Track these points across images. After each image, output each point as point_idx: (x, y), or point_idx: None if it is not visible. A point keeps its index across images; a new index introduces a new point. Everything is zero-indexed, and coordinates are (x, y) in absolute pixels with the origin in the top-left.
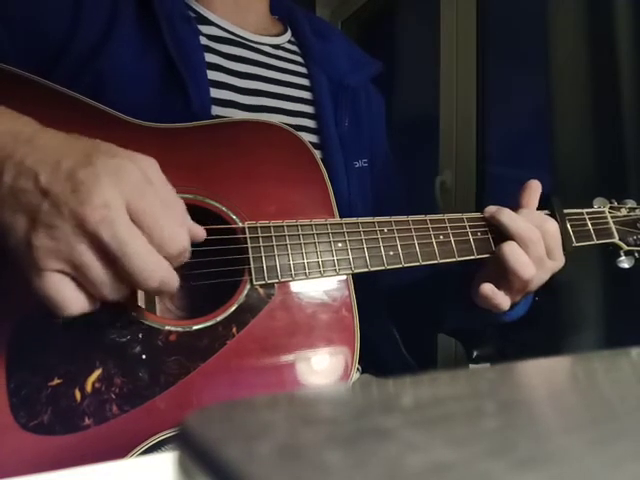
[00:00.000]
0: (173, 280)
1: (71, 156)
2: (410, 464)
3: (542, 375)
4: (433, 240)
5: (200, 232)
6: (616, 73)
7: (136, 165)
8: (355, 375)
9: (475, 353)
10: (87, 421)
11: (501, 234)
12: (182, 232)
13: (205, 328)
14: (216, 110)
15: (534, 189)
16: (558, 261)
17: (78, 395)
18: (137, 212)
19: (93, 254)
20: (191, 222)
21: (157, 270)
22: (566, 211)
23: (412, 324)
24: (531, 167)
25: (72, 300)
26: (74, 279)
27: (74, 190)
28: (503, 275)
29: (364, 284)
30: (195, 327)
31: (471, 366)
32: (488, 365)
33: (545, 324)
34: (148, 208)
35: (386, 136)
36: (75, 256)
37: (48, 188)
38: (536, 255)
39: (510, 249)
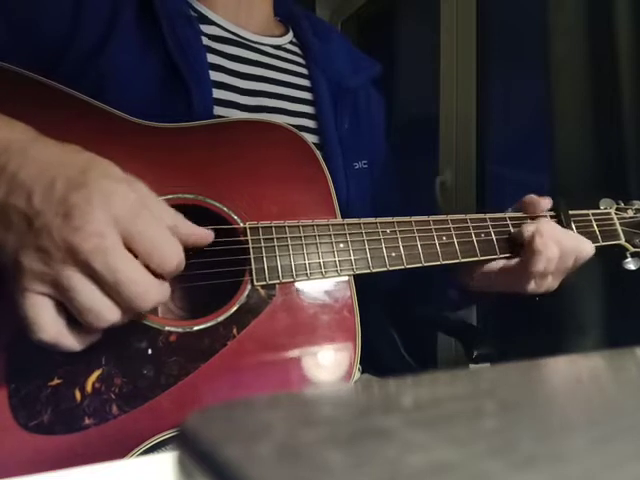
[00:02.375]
0: (167, 295)
1: (65, 174)
2: (410, 464)
3: (542, 375)
4: (436, 241)
5: (208, 236)
6: (616, 73)
7: (129, 186)
8: (355, 375)
9: (475, 353)
10: (87, 421)
11: (508, 238)
12: (177, 248)
13: (206, 329)
14: (217, 110)
15: (543, 206)
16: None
17: (78, 395)
18: (132, 236)
19: (82, 279)
20: (196, 227)
21: (152, 292)
22: (572, 212)
23: (407, 317)
24: (531, 167)
25: (47, 325)
26: (59, 305)
27: (66, 214)
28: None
29: (363, 285)
30: (196, 327)
31: (471, 366)
32: (488, 365)
33: (545, 324)
34: (144, 231)
35: (385, 138)
36: (62, 281)
37: (40, 210)
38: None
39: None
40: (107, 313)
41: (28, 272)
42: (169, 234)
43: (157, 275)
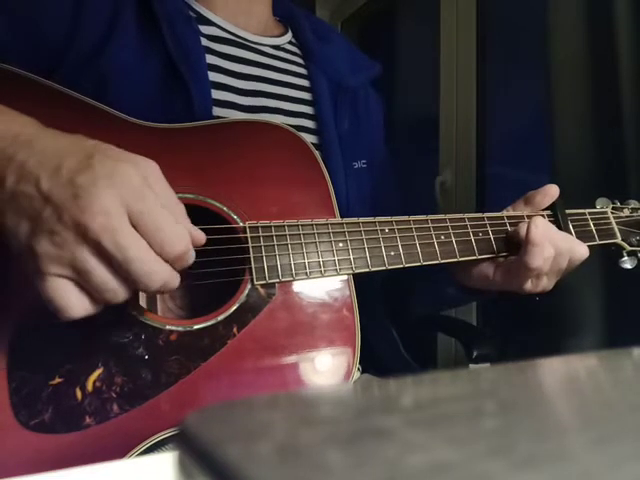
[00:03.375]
0: (174, 281)
1: (71, 159)
2: (410, 464)
3: (542, 375)
4: (434, 240)
5: (200, 236)
6: (616, 73)
7: (136, 168)
8: (355, 375)
9: (475, 353)
10: (88, 420)
11: (506, 237)
12: (182, 234)
13: (206, 328)
14: (216, 111)
15: (551, 194)
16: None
17: (79, 394)
18: (137, 216)
19: (95, 260)
20: (191, 225)
21: (158, 273)
22: (568, 212)
23: (407, 317)
24: (531, 167)
25: (76, 304)
26: (77, 283)
27: (74, 195)
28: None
29: (363, 284)
30: (196, 327)
31: (471, 366)
32: (488, 365)
33: (545, 324)
34: (147, 212)
35: (384, 138)
36: (77, 262)
37: (49, 193)
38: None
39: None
40: (119, 291)
41: (45, 257)
42: (172, 218)
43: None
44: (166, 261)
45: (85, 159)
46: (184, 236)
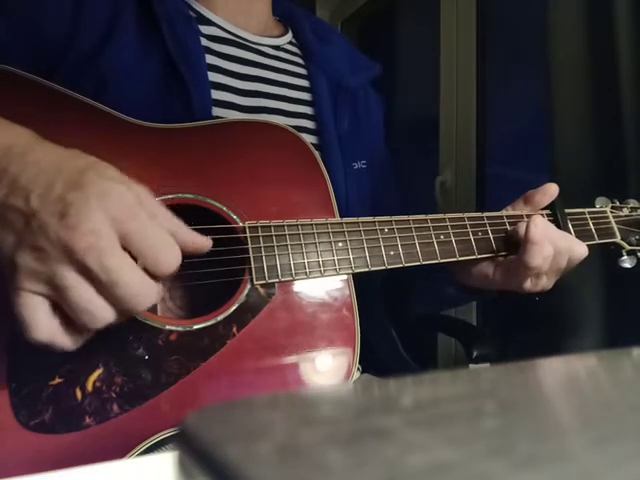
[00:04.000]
0: (159, 298)
1: (64, 177)
2: (410, 464)
3: (542, 375)
4: (434, 240)
5: (206, 243)
6: (616, 73)
7: (128, 188)
8: (355, 375)
9: (475, 353)
10: (88, 420)
11: (505, 237)
12: (174, 252)
13: (206, 328)
14: (216, 111)
15: (551, 193)
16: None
17: (79, 394)
18: (129, 236)
19: (77, 277)
20: (194, 233)
21: (146, 295)
22: (568, 211)
23: (407, 317)
24: (531, 167)
25: (42, 325)
26: (55, 305)
27: (63, 214)
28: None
29: (362, 284)
30: (196, 327)
31: (471, 366)
32: (488, 365)
33: (544, 324)
34: (139, 232)
35: (384, 138)
36: (56, 279)
37: (37, 209)
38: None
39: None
40: (102, 313)
41: (23, 271)
42: (167, 236)
43: (153, 276)
44: (157, 277)
45: (78, 175)
46: (177, 252)
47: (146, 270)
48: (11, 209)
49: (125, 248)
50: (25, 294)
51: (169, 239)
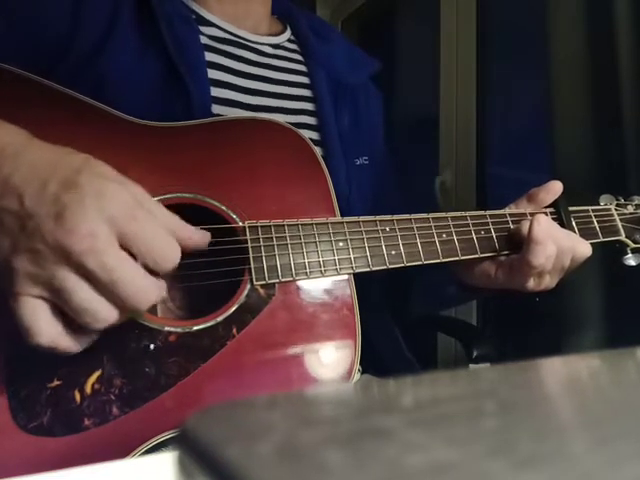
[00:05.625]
0: (163, 295)
1: (58, 176)
2: (410, 464)
3: (542, 375)
4: (436, 239)
5: (204, 238)
6: (616, 73)
7: (123, 186)
8: (356, 376)
9: (475, 353)
10: (87, 422)
11: (508, 235)
12: (173, 248)
13: (205, 328)
14: (217, 109)
15: (555, 191)
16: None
17: (78, 396)
18: (127, 236)
19: (77, 278)
20: (193, 229)
21: (147, 292)
22: (572, 209)
23: (407, 316)
24: (531, 167)
25: (44, 329)
26: (55, 307)
27: (58, 215)
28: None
29: (363, 283)
30: (195, 328)
31: (471, 366)
32: (488, 365)
33: (545, 324)
34: (138, 231)
35: (384, 134)
36: (56, 281)
37: (32, 212)
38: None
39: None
40: (104, 313)
41: (21, 275)
42: (165, 233)
43: (153, 273)
44: (157, 274)
45: (72, 174)
46: (176, 249)
47: (146, 268)
48: (5, 211)
49: (123, 246)
50: (24, 298)
51: (167, 235)
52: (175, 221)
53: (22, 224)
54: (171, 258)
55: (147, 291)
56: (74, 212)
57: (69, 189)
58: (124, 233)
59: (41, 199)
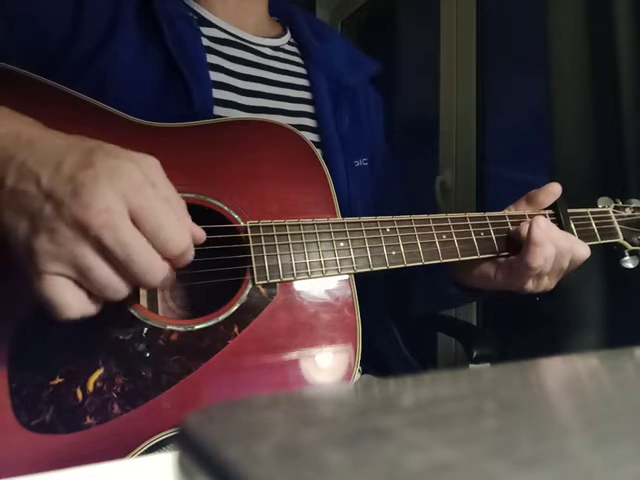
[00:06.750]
0: (172, 278)
1: (72, 157)
2: (410, 464)
3: (542, 375)
4: (436, 240)
5: (200, 234)
6: (616, 73)
7: (137, 165)
8: (356, 377)
9: (475, 353)
10: (88, 420)
11: (507, 237)
12: (184, 232)
13: (207, 328)
14: (217, 111)
15: (554, 193)
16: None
17: (80, 394)
18: (138, 214)
19: (96, 256)
20: (192, 223)
21: (159, 269)
22: (570, 211)
23: (407, 316)
24: (531, 167)
25: (73, 303)
26: (76, 282)
27: (75, 193)
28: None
29: (364, 283)
30: (197, 327)
31: (471, 366)
32: (488, 365)
33: (545, 324)
34: (149, 210)
35: (384, 136)
36: (77, 259)
37: (49, 191)
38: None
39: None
40: (118, 287)
41: (42, 254)
42: (174, 215)
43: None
44: (167, 258)
45: (86, 156)
46: (186, 234)
47: (156, 249)
48: (23, 194)
49: (135, 224)
50: (49, 277)
51: (176, 219)
52: (181, 207)
53: (40, 205)
54: (180, 241)
55: (159, 267)
56: (90, 189)
57: (84, 168)
58: (135, 210)
59: (57, 179)
